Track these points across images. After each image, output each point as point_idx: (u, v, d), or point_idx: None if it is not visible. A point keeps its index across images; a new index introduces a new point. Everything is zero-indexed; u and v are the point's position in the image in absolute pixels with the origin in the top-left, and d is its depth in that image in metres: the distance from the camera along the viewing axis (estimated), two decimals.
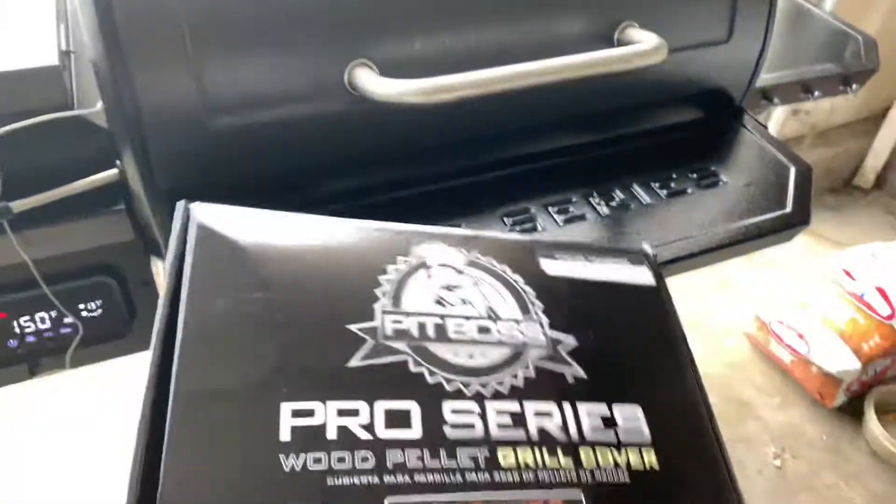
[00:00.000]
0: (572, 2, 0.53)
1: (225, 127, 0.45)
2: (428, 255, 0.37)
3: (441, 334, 0.34)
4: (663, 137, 0.64)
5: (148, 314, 0.60)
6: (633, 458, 0.32)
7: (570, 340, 0.36)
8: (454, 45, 0.49)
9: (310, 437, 0.29)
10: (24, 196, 0.49)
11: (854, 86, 0.79)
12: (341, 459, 0.28)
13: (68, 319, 0.59)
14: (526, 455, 0.31)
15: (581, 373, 0.35)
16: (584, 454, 0.32)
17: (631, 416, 0.34)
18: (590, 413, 0.33)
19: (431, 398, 0.31)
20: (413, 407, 0.31)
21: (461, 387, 0.32)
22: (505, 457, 0.30)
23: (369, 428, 0.29)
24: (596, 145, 0.61)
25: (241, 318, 0.31)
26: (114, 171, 0.52)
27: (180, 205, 0.35)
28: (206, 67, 0.44)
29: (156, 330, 0.30)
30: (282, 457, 0.28)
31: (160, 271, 0.58)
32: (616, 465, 0.32)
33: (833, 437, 1.22)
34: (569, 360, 0.35)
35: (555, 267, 0.39)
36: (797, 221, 0.58)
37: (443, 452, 0.30)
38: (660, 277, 0.41)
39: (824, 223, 1.66)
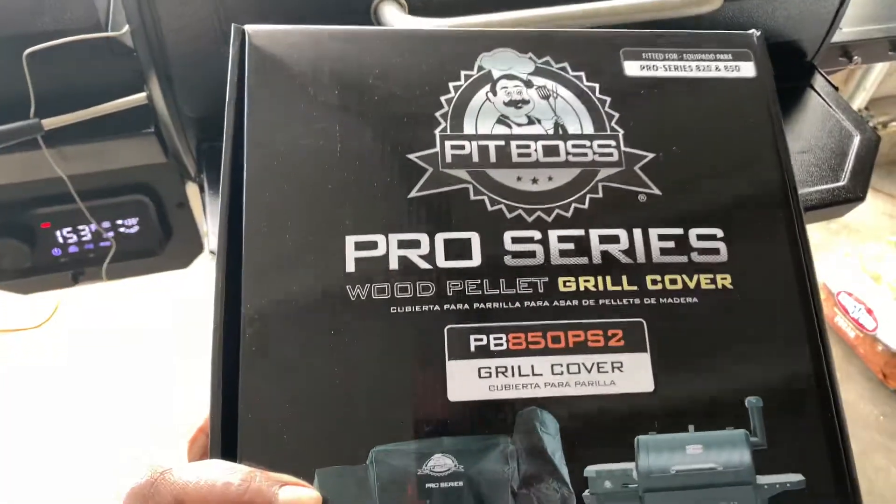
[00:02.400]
0: None
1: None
2: (493, 65, 0.34)
3: (503, 158, 0.32)
4: None
5: (183, 234, 0.61)
6: (705, 282, 0.31)
7: (647, 156, 0.33)
8: None
9: (373, 268, 0.30)
10: (55, 114, 0.51)
11: None
12: (403, 289, 0.30)
13: (108, 234, 0.62)
14: (587, 282, 0.31)
15: (657, 192, 0.32)
16: (651, 279, 0.31)
17: (708, 237, 0.32)
18: (661, 236, 0.32)
19: (492, 227, 0.31)
20: (473, 236, 0.31)
21: (523, 214, 0.31)
22: (565, 283, 0.31)
23: (430, 258, 0.30)
24: None
25: (303, 150, 0.31)
26: (142, 94, 0.51)
27: (236, 28, 0.33)
28: None
29: (223, 171, 0.31)
30: (348, 287, 0.30)
31: (193, 194, 0.57)
32: (684, 289, 0.31)
33: (890, 419, 1.11)
34: (644, 178, 0.32)
35: (640, 68, 0.34)
36: (850, 197, 0.51)
37: (502, 281, 0.30)
38: (766, 69, 0.35)
39: None
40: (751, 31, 0.36)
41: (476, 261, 0.30)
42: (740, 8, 0.52)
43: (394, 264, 0.30)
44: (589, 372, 0.30)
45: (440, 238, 0.31)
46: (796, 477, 0.29)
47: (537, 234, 0.31)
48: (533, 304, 0.30)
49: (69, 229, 0.64)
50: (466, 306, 0.30)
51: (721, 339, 0.31)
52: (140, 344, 1.31)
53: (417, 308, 0.30)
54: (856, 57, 0.69)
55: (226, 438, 0.28)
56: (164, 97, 0.49)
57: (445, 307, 0.30)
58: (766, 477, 0.29)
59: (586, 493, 0.28)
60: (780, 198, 0.33)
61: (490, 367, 0.29)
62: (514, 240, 0.31)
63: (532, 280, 0.30)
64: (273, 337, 0.29)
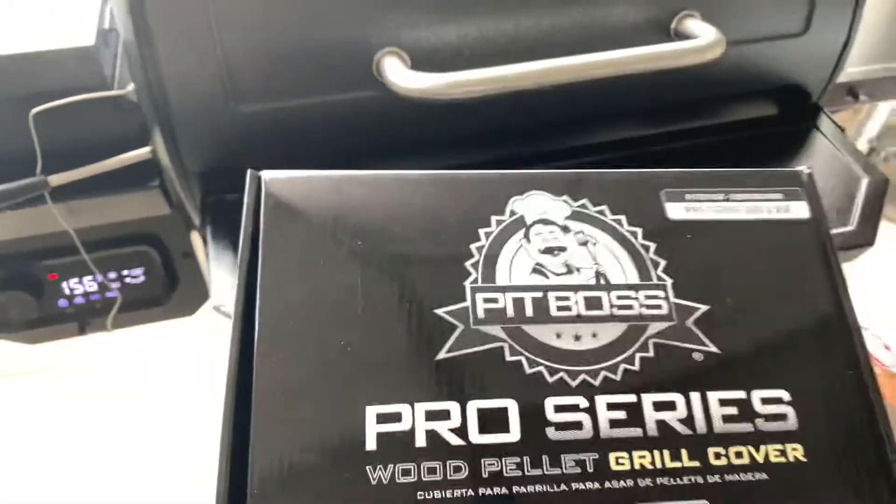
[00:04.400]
0: None
1: (251, 112, 0.44)
2: (526, 210, 0.31)
3: (541, 312, 0.29)
4: (727, 135, 0.57)
5: (188, 284, 0.63)
6: (774, 454, 0.27)
7: (700, 309, 0.30)
8: (493, 33, 0.45)
9: (397, 446, 0.26)
10: (61, 170, 0.52)
11: None
12: (432, 470, 0.26)
13: (114, 284, 0.62)
14: (643, 458, 0.27)
15: (714, 350, 0.29)
16: (713, 452, 0.27)
17: (774, 401, 0.28)
18: (722, 401, 0.28)
19: (531, 393, 0.27)
20: (510, 405, 0.27)
21: (566, 377, 0.28)
22: (618, 460, 0.27)
23: (461, 432, 0.27)
24: (653, 140, 0.55)
25: (321, 306, 0.28)
26: (147, 148, 0.53)
27: (251, 174, 0.31)
28: (232, 52, 0.42)
29: (233, 319, 0.28)
30: (369, 469, 0.26)
31: (199, 244, 0.58)
32: (752, 463, 0.27)
33: None
34: (698, 334, 0.29)
35: (684, 211, 0.32)
36: (860, 242, 0.50)
37: (545, 459, 0.26)
38: (818, 208, 0.33)
39: None
40: (801, 169, 0.34)
41: (514, 434, 0.27)
42: (743, 53, 0.52)
43: (421, 440, 0.26)
44: None
45: (473, 407, 0.27)
46: None
47: (583, 402, 0.27)
48: (582, 485, 0.26)
49: (75, 280, 0.64)
50: (505, 490, 0.26)
51: None
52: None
53: (448, 493, 0.26)
54: (862, 96, 0.68)
55: None
56: (168, 152, 0.49)
57: (480, 492, 0.26)
58: None
59: None
60: (847, 351, 0.30)
61: None
62: (558, 408, 0.27)
63: (580, 457, 0.27)
64: None
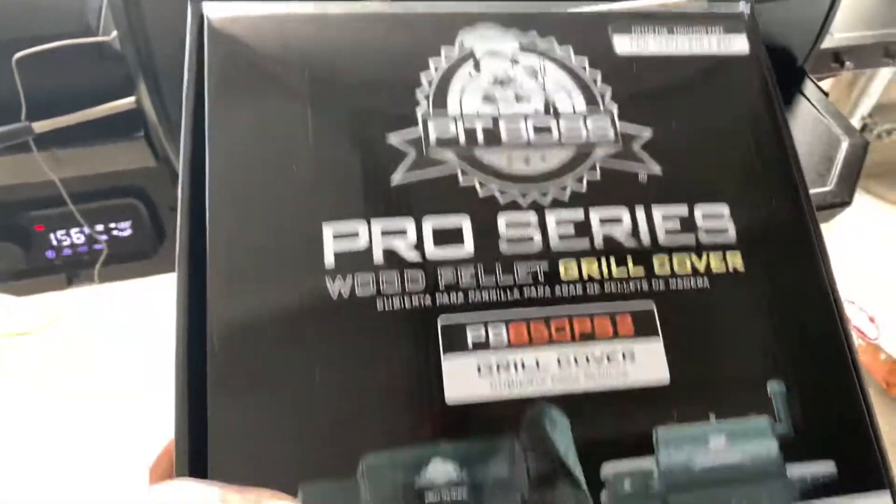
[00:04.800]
0: None
1: None
2: (475, 42, 0.31)
3: (492, 138, 0.30)
4: None
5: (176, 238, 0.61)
6: (715, 262, 0.29)
7: (645, 133, 0.31)
8: None
9: (355, 261, 0.27)
10: (46, 118, 0.51)
11: None
12: (390, 282, 0.27)
13: (101, 237, 0.61)
14: (591, 266, 0.28)
15: (657, 170, 0.30)
16: (658, 261, 0.29)
17: (715, 216, 0.30)
18: (665, 216, 0.29)
19: (484, 212, 0.28)
20: (465, 222, 0.28)
21: (517, 197, 0.29)
22: (567, 269, 0.28)
23: (418, 247, 0.28)
24: None
25: (272, 139, 0.29)
26: (131, 98, 0.51)
27: (193, 7, 0.30)
28: None
29: (182, 162, 0.28)
30: (328, 282, 0.27)
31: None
32: (694, 270, 0.29)
33: (895, 430, 1.11)
34: (643, 155, 0.30)
35: (630, 44, 0.33)
36: (837, 202, 0.51)
37: (498, 268, 0.28)
38: (758, 44, 0.34)
39: None
40: (742, 7, 0.34)
41: (469, 248, 0.28)
42: None
43: (378, 256, 0.27)
44: (599, 363, 0.27)
45: (428, 224, 0.28)
46: (827, 465, 0.27)
47: (534, 218, 0.29)
48: (533, 292, 0.28)
49: (63, 232, 0.63)
50: (461, 298, 0.27)
51: (737, 322, 0.28)
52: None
53: (407, 302, 0.27)
54: (847, 63, 0.69)
55: (193, 456, 0.25)
56: (153, 101, 0.49)
57: (438, 300, 0.27)
58: (796, 466, 0.27)
59: (604, 494, 0.25)
60: (784, 169, 0.31)
61: (490, 363, 0.26)
62: (509, 224, 0.28)
63: (531, 266, 0.28)
64: (245, 341, 0.26)
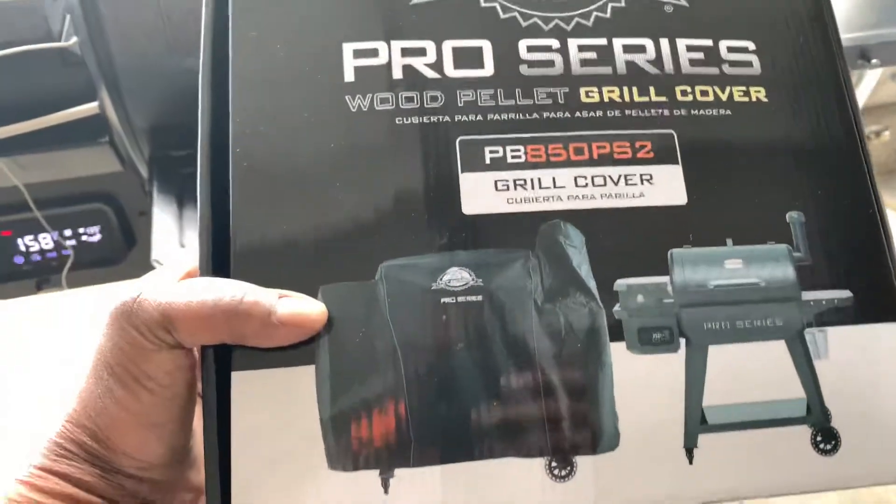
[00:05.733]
0: None
1: (196, 67, 0.41)
2: None
3: None
4: None
5: (146, 243, 0.62)
6: (738, 94, 0.29)
7: None
8: None
9: (375, 77, 0.27)
10: (8, 123, 0.51)
11: None
12: (409, 99, 0.27)
13: (69, 242, 0.61)
14: (612, 92, 0.28)
15: (683, 2, 0.30)
16: (680, 90, 0.28)
17: (740, 50, 0.29)
18: (690, 46, 0.29)
19: (505, 35, 0.28)
20: (485, 45, 0.28)
21: (539, 22, 0.28)
22: (588, 94, 0.28)
23: (437, 67, 0.27)
24: None
25: None
26: (94, 104, 0.51)
27: None
28: (174, 6, 0.42)
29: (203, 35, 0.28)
30: (348, 98, 0.27)
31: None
32: (717, 100, 0.28)
33: None
34: None
35: None
36: None
37: (518, 91, 0.27)
38: None
39: None
40: None
41: (489, 70, 0.28)
42: None
43: (397, 73, 0.27)
44: (616, 184, 0.27)
45: (448, 45, 0.28)
46: (844, 293, 0.27)
47: (555, 43, 0.28)
48: (552, 115, 0.27)
49: (31, 237, 0.63)
50: (479, 117, 0.27)
51: (758, 152, 0.28)
52: None
53: (426, 119, 0.27)
54: (874, 59, 0.67)
55: (216, 264, 0.25)
56: (115, 107, 0.50)
57: (456, 118, 0.27)
58: (812, 294, 0.27)
59: (617, 307, 0.25)
60: (814, 10, 0.30)
61: (507, 180, 0.26)
62: (531, 48, 0.28)
63: (551, 90, 0.28)
64: (265, 151, 0.26)
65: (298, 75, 0.27)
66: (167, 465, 0.25)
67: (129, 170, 0.58)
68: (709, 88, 0.28)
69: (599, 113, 0.28)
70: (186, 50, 0.47)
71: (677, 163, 0.27)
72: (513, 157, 0.27)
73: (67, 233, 0.63)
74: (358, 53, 0.27)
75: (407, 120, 0.27)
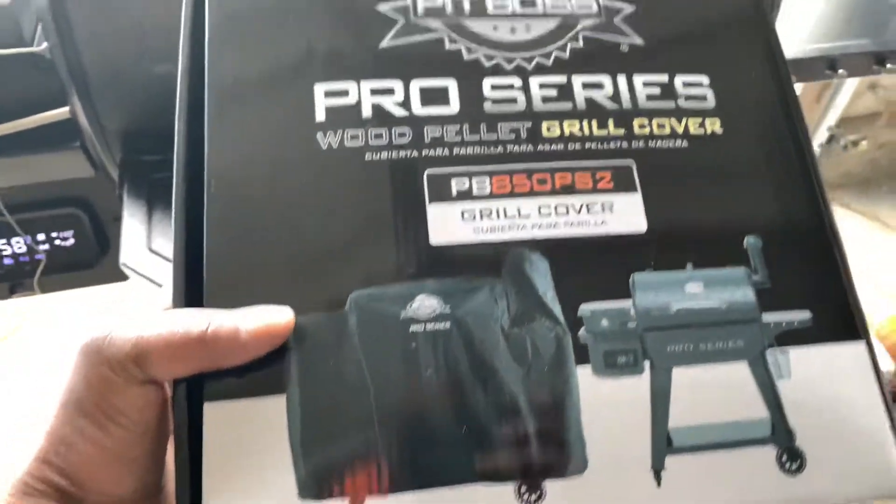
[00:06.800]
0: None
1: (166, 72, 0.43)
2: None
3: (478, 9, 0.31)
4: None
5: (119, 248, 0.62)
6: (693, 126, 0.30)
7: (627, 7, 0.32)
8: None
9: (345, 116, 0.28)
10: None
11: None
12: (378, 135, 0.28)
13: (43, 247, 0.61)
14: (573, 126, 0.29)
15: (639, 41, 0.31)
16: (638, 123, 0.30)
17: (695, 84, 0.31)
18: (646, 83, 0.30)
19: (469, 75, 0.29)
20: (451, 84, 0.29)
21: (502, 62, 0.30)
22: (549, 128, 0.29)
23: (405, 105, 0.29)
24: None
25: (267, 6, 0.30)
26: (65, 108, 0.51)
27: None
28: (144, 12, 0.43)
29: (182, 29, 0.30)
30: (319, 135, 0.28)
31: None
32: (673, 132, 0.30)
33: None
34: (625, 28, 0.31)
35: None
36: None
37: (483, 126, 0.29)
38: None
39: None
40: None
41: (454, 107, 0.29)
42: None
43: (367, 111, 0.28)
44: (578, 213, 0.28)
45: (416, 85, 0.29)
46: (803, 314, 0.28)
47: (518, 82, 0.30)
48: (516, 148, 0.29)
49: (3, 241, 0.63)
50: (446, 151, 0.28)
51: (714, 180, 0.29)
52: None
53: (394, 154, 0.28)
54: (841, 70, 0.69)
55: (189, 294, 0.26)
56: (86, 111, 0.50)
57: (424, 153, 0.28)
58: (772, 314, 0.27)
59: (582, 331, 0.26)
60: (763, 42, 0.32)
61: (474, 210, 0.27)
62: (494, 87, 0.29)
63: (514, 125, 0.29)
64: (239, 185, 0.27)
65: (271, 115, 0.28)
66: (139, 501, 0.25)
67: (102, 174, 0.58)
68: (665, 121, 0.30)
69: (561, 146, 0.29)
70: (157, 56, 0.46)
71: (636, 191, 0.28)
72: (478, 188, 0.28)
73: (41, 237, 0.63)
74: (329, 94, 0.28)
75: (376, 155, 0.28)
